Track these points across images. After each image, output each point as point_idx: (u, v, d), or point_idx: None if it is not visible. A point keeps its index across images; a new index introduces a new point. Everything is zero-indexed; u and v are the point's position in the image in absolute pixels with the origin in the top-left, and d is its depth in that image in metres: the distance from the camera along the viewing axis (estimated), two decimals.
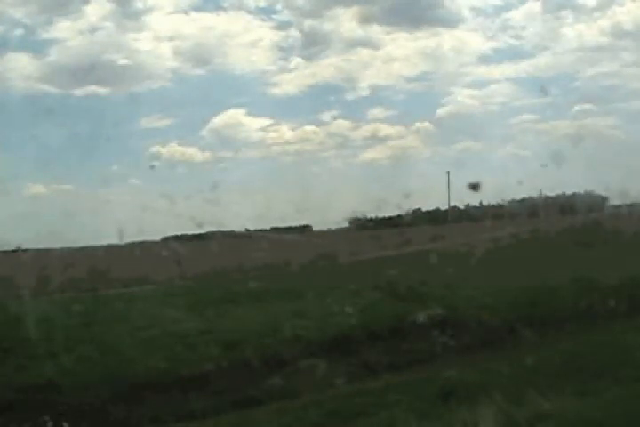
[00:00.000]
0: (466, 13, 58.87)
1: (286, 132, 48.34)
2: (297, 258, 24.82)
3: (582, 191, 31.86)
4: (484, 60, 60.84)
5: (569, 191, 32.37)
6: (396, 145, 48.29)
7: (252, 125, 57.58)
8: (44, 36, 51.85)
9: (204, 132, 51.51)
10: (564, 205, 31.74)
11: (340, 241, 29.94)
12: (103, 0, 56.26)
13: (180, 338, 12.25)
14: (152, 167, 42.93)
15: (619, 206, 28.71)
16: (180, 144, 47.34)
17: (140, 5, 52.41)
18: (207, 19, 56.64)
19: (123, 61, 48.42)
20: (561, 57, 51.85)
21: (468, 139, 52.82)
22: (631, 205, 26.81)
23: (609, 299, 12.45)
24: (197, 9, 60.20)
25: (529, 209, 31.92)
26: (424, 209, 36.56)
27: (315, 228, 36.29)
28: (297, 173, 41.87)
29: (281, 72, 56.16)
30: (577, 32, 54.94)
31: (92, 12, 54.59)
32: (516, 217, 30.46)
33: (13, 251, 23.57)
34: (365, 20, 57.26)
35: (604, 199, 30.82)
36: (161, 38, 54.46)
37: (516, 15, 58.45)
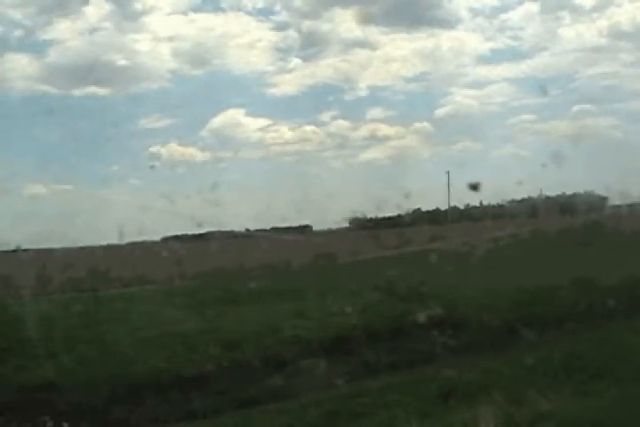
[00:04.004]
0: (464, 14, 58.67)
1: (286, 132, 48.51)
2: (297, 258, 24.85)
3: (582, 191, 31.90)
4: (483, 60, 61.15)
5: (569, 191, 32.41)
6: (395, 145, 48.45)
7: (252, 126, 57.85)
8: (44, 36, 52.23)
9: (203, 133, 51.65)
10: (564, 205, 31.72)
11: (339, 241, 29.95)
12: (102, 1, 56.53)
13: (180, 338, 12.24)
14: (152, 167, 43.26)
15: (619, 206, 28.72)
16: (179, 144, 47.53)
17: (139, 6, 52.69)
18: (206, 20, 56.72)
19: (122, 62, 48.59)
20: (559, 57, 52.03)
21: (467, 139, 53.05)
22: (631, 205, 26.82)
23: (609, 299, 12.44)
24: (196, 10, 60.53)
25: (529, 209, 31.91)
26: (424, 209, 36.62)
27: (315, 228, 36.39)
28: (297, 173, 41.99)
29: (280, 73, 56.36)
30: (575, 33, 55.06)
31: (92, 13, 54.93)
32: (516, 217, 30.46)
33: (13, 251, 23.62)
34: (364, 20, 57.31)
35: (604, 199, 30.84)
36: (160, 39, 54.46)
37: (514, 16, 58.60)
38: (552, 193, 32.21)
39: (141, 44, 59.43)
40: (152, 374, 10.60)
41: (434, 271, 15.92)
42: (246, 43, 58.41)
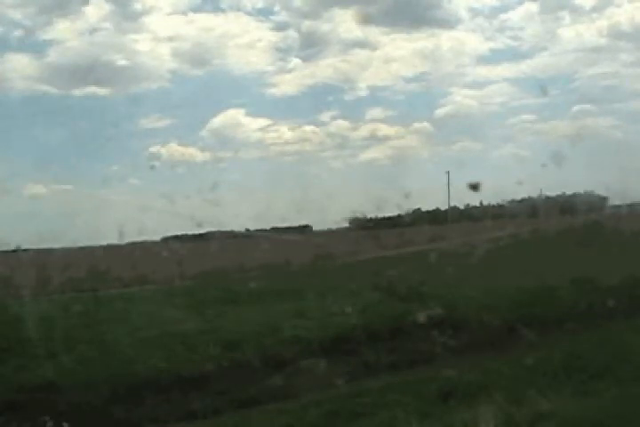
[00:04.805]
0: (464, 14, 58.84)
1: (285, 132, 48.58)
2: (297, 258, 24.86)
3: (582, 191, 31.93)
4: (483, 60, 61.30)
5: (569, 191, 32.45)
6: (395, 145, 48.50)
7: (252, 126, 57.92)
8: (44, 36, 52.29)
9: (203, 133, 51.70)
10: (564, 205, 31.75)
11: (339, 241, 29.96)
12: (102, 1, 56.55)
13: (180, 338, 12.25)
14: (152, 167, 43.31)
15: (619, 206, 28.74)
16: (179, 144, 47.58)
17: (138, 6, 52.76)
18: (206, 20, 56.83)
19: (122, 62, 48.61)
20: (559, 57, 52.10)
21: (467, 139, 53.13)
22: (631, 205, 26.85)
23: (609, 299, 12.43)
24: (196, 10, 60.59)
25: (529, 209, 31.94)
26: (424, 209, 36.69)
27: (315, 228, 36.47)
28: (296, 173, 42.04)
29: (279, 73, 56.52)
30: (575, 33, 55.12)
31: (92, 13, 54.96)
32: (516, 217, 30.49)
33: (13, 251, 23.64)
34: (363, 20, 57.08)
35: (604, 199, 30.87)
36: (160, 39, 54.56)
37: (513, 16, 58.87)
38: (552, 193, 32.30)
39: (141, 44, 59.57)
40: (152, 374, 10.60)
41: (434, 271, 15.92)
42: (246, 43, 58.48)
